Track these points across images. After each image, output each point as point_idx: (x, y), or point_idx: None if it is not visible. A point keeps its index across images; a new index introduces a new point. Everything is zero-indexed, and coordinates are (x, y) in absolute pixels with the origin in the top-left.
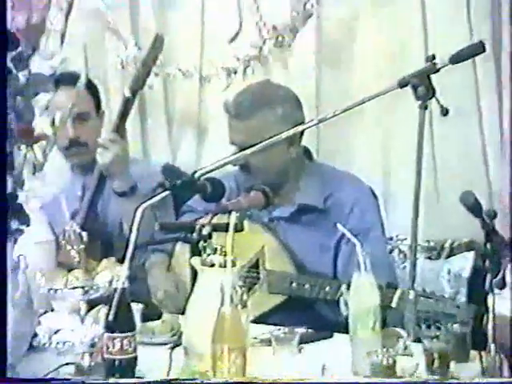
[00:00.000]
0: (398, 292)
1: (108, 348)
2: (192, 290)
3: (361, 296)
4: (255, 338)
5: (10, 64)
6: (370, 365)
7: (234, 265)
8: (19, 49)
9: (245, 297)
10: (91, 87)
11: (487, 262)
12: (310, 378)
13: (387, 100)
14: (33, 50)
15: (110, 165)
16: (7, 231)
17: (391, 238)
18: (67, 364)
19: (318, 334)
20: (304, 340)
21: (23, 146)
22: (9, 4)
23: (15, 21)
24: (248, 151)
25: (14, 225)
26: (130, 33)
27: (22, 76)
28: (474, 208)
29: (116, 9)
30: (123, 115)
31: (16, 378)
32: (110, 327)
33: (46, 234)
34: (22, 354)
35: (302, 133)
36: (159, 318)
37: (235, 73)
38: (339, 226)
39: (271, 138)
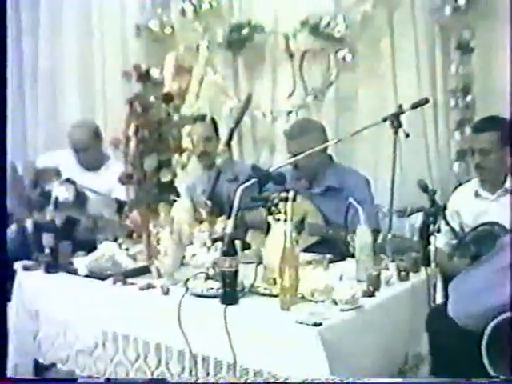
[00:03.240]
0: (381, 235)
1: (222, 265)
2: (268, 233)
3: (361, 237)
4: (303, 260)
5: (170, 109)
6: (367, 275)
7: (291, 220)
8: (174, 102)
9: (297, 237)
10: (214, 122)
11: (430, 218)
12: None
13: (377, 129)
14: (181, 103)
15: (223, 165)
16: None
17: (377, 205)
18: (201, 273)
19: (337, 258)
20: (330, 261)
21: (176, 155)
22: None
23: (174, 88)
24: (298, 157)
25: (171, 197)
26: (234, 92)
27: (175, 116)
28: (424, 188)
29: (226, 79)
30: (230, 137)
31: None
32: (223, 253)
33: (188, 202)
34: (176, 267)
35: (326, 147)
36: (249, 248)
37: (290, 113)
38: (350, 198)
39: (310, 150)
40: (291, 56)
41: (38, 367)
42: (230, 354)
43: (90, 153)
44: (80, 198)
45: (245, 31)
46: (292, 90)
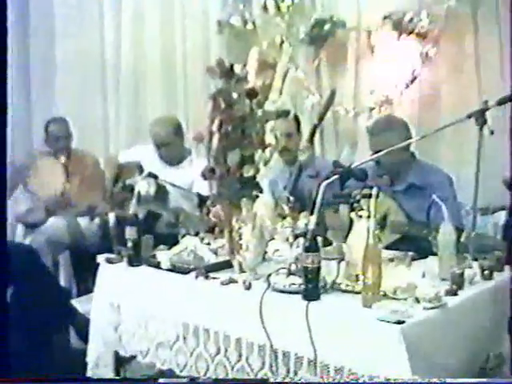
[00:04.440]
0: (465, 233)
1: (305, 260)
2: (349, 230)
3: (444, 235)
4: (385, 257)
5: (253, 105)
6: (450, 273)
7: (374, 216)
8: (258, 97)
9: (379, 234)
10: (296, 118)
11: None
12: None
13: (460, 125)
14: (265, 99)
15: (305, 161)
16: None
17: (460, 203)
18: (283, 268)
19: (420, 255)
20: (412, 259)
21: (259, 151)
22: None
23: (257, 83)
24: (380, 154)
25: (254, 192)
26: (315, 88)
27: (259, 112)
28: (509, 186)
29: (307, 75)
30: (312, 133)
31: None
32: (306, 249)
33: (270, 198)
34: (258, 262)
35: (409, 144)
36: (331, 244)
37: (373, 109)
38: (434, 196)
39: (392, 146)
40: (373, 52)
41: (119, 359)
42: (311, 350)
43: (172, 148)
44: (161, 193)
45: (327, 27)
46: (374, 85)
